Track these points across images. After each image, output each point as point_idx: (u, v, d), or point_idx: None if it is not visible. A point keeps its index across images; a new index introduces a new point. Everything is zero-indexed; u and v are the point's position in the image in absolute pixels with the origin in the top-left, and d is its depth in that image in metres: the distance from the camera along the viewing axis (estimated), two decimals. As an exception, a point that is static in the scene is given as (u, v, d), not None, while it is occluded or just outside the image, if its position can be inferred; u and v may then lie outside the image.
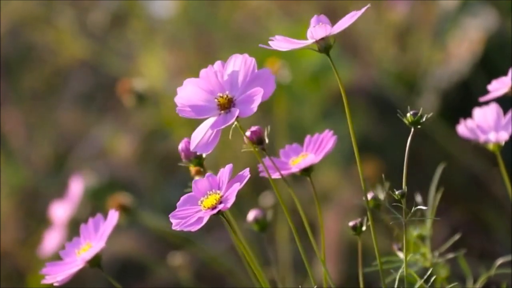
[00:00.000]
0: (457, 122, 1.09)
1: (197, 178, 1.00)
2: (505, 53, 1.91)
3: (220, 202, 0.87)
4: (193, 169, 1.00)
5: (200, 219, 0.86)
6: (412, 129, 0.92)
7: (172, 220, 0.87)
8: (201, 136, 0.89)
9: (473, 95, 1.93)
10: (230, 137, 0.91)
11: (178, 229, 0.86)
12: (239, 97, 0.90)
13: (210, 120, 0.90)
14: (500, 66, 1.90)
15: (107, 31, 2.41)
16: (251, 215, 1.07)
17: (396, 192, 0.91)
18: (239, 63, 0.91)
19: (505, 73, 1.02)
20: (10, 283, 2.11)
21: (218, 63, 0.92)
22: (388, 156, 1.94)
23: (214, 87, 0.91)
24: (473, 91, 1.93)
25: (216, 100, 0.90)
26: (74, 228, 1.68)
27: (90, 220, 0.99)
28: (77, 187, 1.71)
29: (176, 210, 0.88)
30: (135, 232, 2.01)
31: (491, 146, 1.05)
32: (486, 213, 1.85)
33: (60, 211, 1.71)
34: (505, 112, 1.08)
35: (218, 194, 0.88)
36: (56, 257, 1.07)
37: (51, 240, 1.70)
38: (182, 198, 0.89)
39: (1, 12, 2.46)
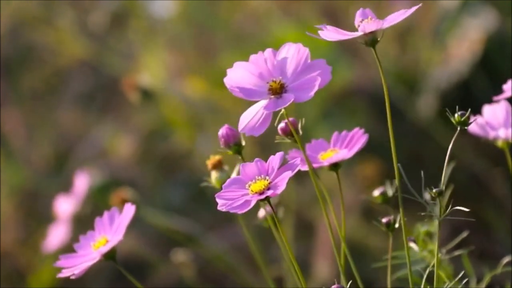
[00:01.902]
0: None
1: (213, 172, 1.01)
2: (505, 53, 1.91)
3: (268, 188, 0.87)
4: (210, 163, 1.00)
5: (246, 202, 0.87)
6: (459, 129, 0.93)
7: (218, 200, 0.88)
8: (249, 118, 0.90)
9: (473, 95, 1.94)
10: (275, 124, 0.91)
11: (224, 210, 0.86)
12: (290, 84, 0.91)
13: (261, 103, 0.90)
14: (500, 66, 1.90)
15: (107, 31, 2.41)
16: (262, 211, 1.07)
17: (434, 190, 0.92)
18: (292, 52, 0.92)
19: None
20: (10, 283, 2.11)
21: (268, 51, 0.92)
22: (388, 156, 1.93)
23: (264, 73, 0.91)
24: (473, 91, 1.93)
25: (268, 84, 0.91)
26: (77, 225, 1.69)
27: (106, 214, 0.99)
28: (82, 182, 1.71)
29: (222, 191, 0.89)
30: (136, 231, 2.01)
31: (500, 143, 1.05)
32: (487, 212, 1.85)
33: (65, 206, 1.71)
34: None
35: (267, 180, 0.88)
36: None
37: (56, 235, 1.70)
38: (228, 180, 0.90)
39: (1, 12, 2.46)
